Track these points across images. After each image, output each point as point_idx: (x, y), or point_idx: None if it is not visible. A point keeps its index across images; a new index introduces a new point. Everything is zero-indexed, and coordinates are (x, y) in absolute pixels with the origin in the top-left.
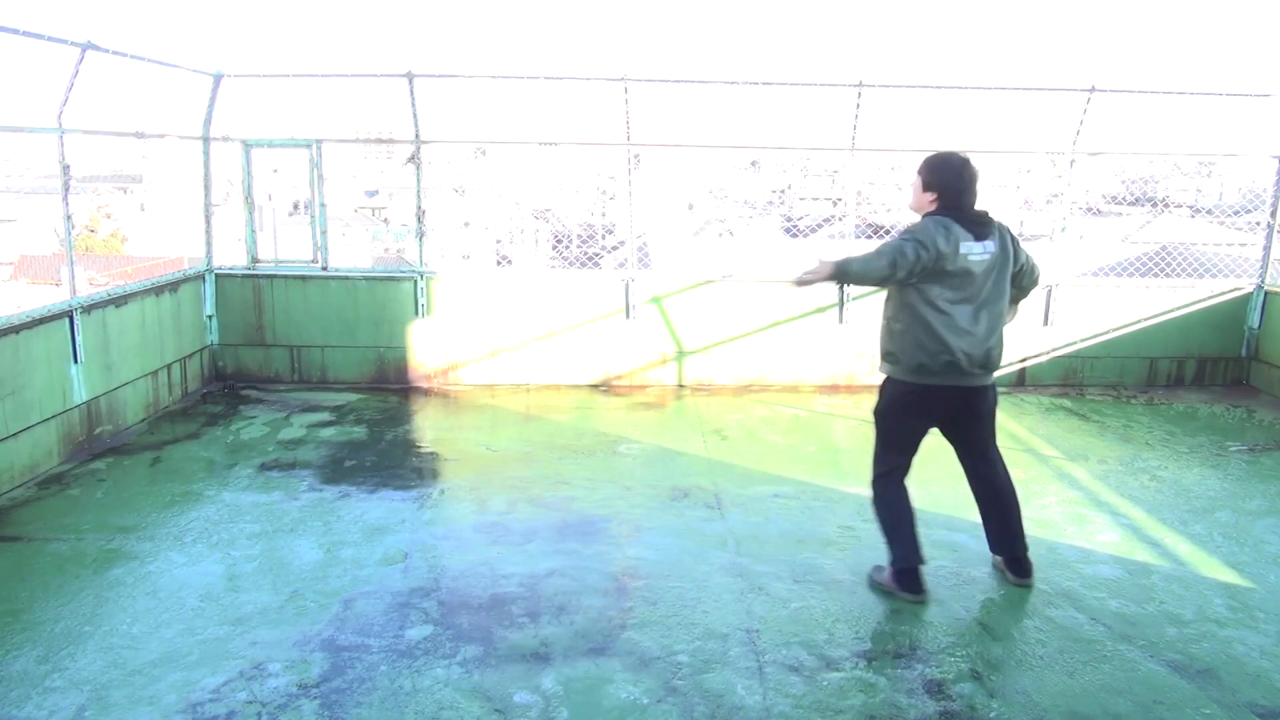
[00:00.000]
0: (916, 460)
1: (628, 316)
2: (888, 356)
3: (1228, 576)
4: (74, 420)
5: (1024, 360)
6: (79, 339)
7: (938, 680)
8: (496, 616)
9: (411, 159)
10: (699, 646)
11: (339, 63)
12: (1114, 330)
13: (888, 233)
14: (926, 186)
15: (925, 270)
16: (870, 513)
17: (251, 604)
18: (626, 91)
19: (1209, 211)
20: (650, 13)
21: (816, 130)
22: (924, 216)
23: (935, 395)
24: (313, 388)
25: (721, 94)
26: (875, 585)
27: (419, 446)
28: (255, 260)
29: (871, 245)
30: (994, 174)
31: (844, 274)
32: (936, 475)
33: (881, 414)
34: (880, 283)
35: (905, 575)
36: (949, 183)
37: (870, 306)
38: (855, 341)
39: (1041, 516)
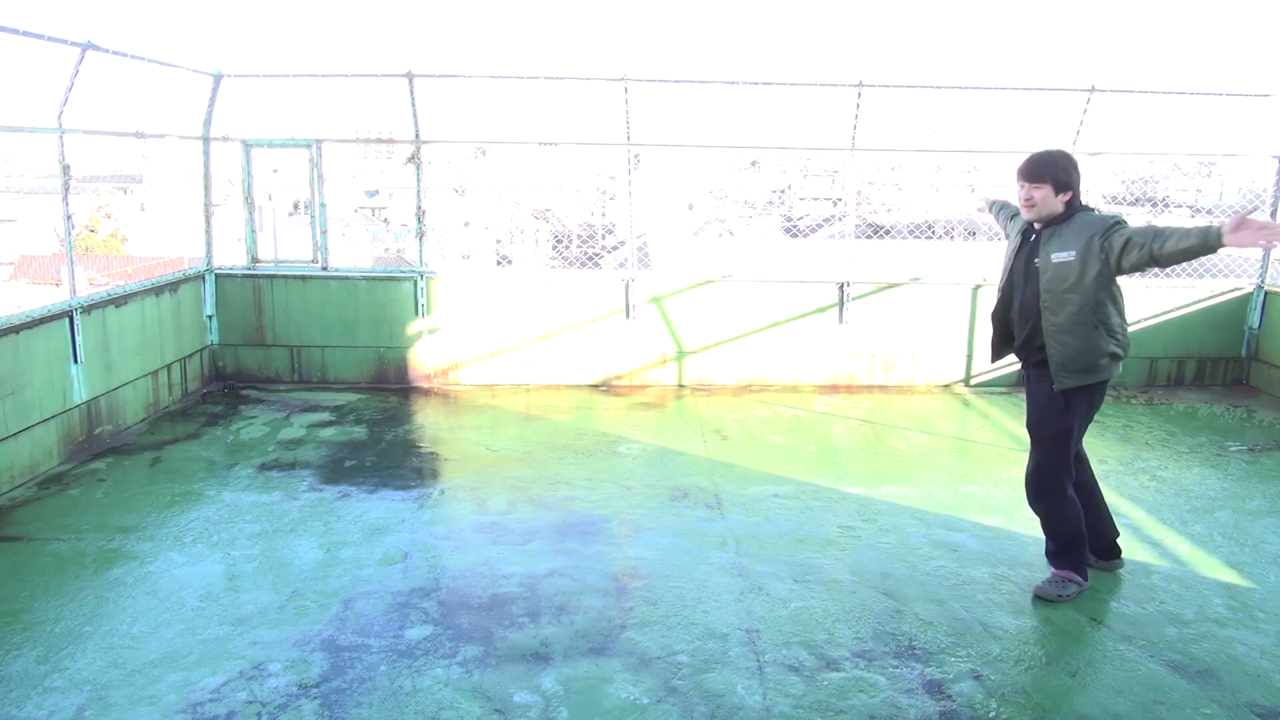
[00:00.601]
0: (915, 462)
1: (628, 316)
2: (1108, 359)
3: (1228, 576)
4: (74, 420)
5: None
6: (79, 339)
7: (938, 680)
8: (496, 616)
9: (411, 159)
10: (699, 646)
11: (339, 63)
12: None
13: (888, 233)
14: (1061, 187)
15: None
16: (870, 512)
17: (251, 604)
18: (626, 91)
19: (1209, 211)
20: (650, 13)
21: (816, 130)
22: (1080, 212)
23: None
24: (313, 388)
25: (721, 94)
26: (1061, 597)
27: (419, 446)
28: (255, 260)
29: (875, 245)
30: (994, 174)
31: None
32: (936, 476)
33: (1077, 424)
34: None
35: (1084, 569)
36: (1079, 178)
37: (870, 306)
38: (855, 341)
39: None
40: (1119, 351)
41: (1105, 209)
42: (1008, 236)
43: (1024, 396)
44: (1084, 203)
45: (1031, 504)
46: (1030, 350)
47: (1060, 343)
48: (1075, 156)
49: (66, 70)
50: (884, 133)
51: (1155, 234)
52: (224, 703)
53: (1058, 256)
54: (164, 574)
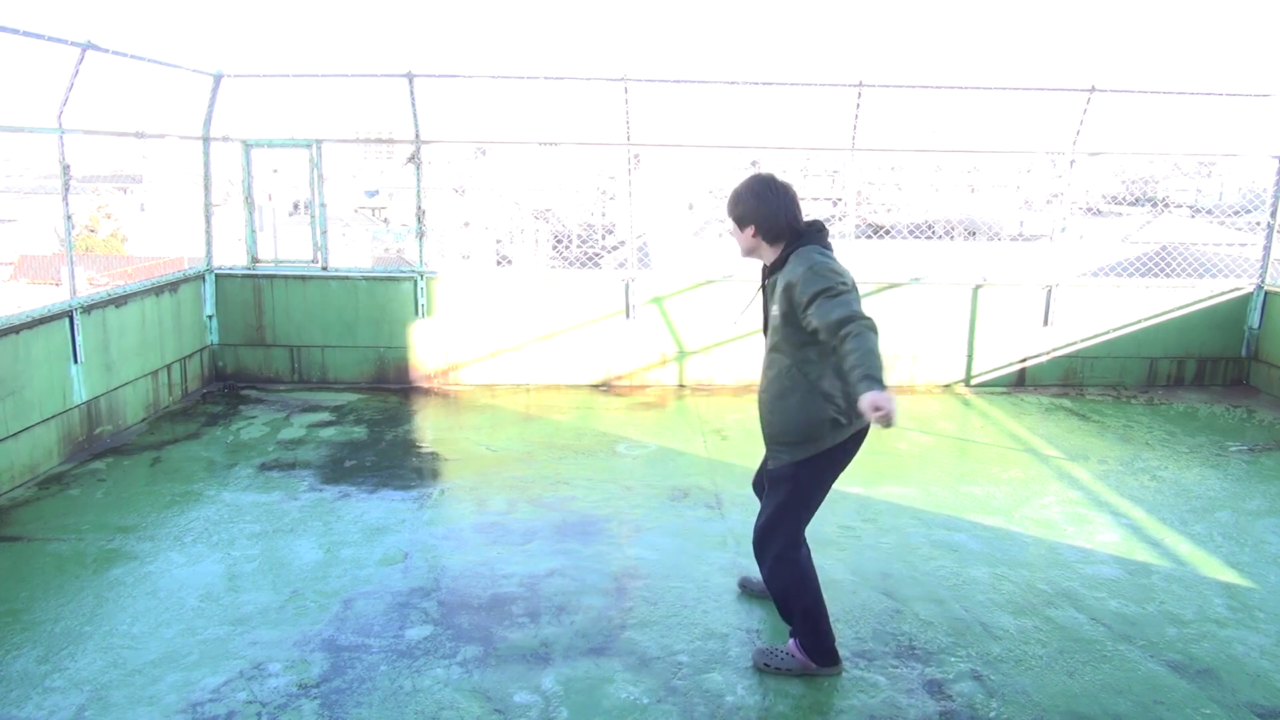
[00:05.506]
0: (915, 462)
1: (628, 316)
2: (829, 425)
3: (1228, 576)
4: (74, 420)
5: (1024, 360)
6: (79, 339)
7: (938, 680)
8: (496, 616)
9: (411, 159)
10: (699, 646)
11: (339, 63)
12: (1114, 330)
13: (888, 233)
14: (742, 222)
15: None
16: (870, 512)
17: (251, 604)
18: (626, 91)
19: (1209, 211)
20: (650, 13)
21: (816, 130)
22: (796, 251)
23: None
24: (313, 388)
25: (721, 94)
26: (769, 666)
27: (419, 446)
28: (255, 260)
29: (875, 245)
30: (994, 174)
31: None
32: (936, 476)
33: (806, 501)
34: None
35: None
36: (773, 207)
37: (869, 306)
38: None
39: (1041, 516)
40: (840, 418)
41: (1105, 209)
42: None
43: (1021, 397)
44: (808, 227)
45: (761, 558)
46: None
47: (771, 411)
48: (777, 182)
49: (66, 70)
50: (884, 133)
51: (838, 339)
52: (224, 703)
53: (775, 310)
54: (164, 574)
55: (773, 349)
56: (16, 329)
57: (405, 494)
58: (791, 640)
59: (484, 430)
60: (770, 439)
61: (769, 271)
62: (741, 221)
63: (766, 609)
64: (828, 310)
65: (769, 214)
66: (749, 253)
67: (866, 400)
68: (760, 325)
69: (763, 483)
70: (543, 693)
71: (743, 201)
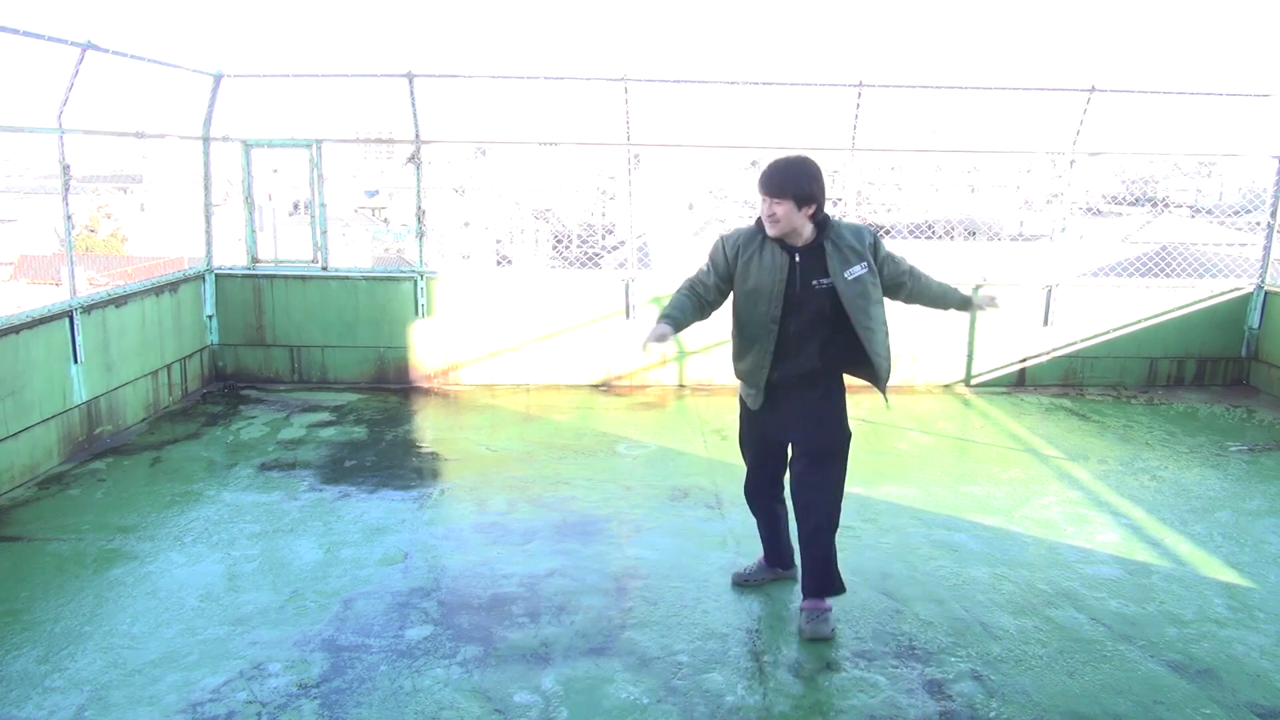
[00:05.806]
0: (915, 462)
1: (628, 316)
2: None
3: (1228, 576)
4: (74, 420)
5: (1024, 360)
6: (79, 339)
7: (938, 680)
8: (496, 616)
9: (411, 159)
10: (699, 646)
11: (339, 63)
12: (1114, 330)
13: (888, 233)
14: (803, 201)
15: None
16: (870, 512)
17: (251, 604)
18: (626, 91)
19: (1209, 211)
20: (650, 13)
21: (816, 130)
22: (834, 222)
23: None
24: (313, 388)
25: (721, 94)
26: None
27: (419, 446)
28: (255, 260)
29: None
30: (994, 174)
31: None
32: (936, 476)
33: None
34: None
35: None
36: (822, 188)
37: None
38: None
39: (1041, 516)
40: None
41: (1105, 209)
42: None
43: (1021, 397)
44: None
45: (829, 535)
46: (824, 369)
47: (881, 356)
48: (819, 164)
49: (66, 70)
50: (884, 133)
51: (911, 278)
52: (224, 703)
53: (853, 273)
54: (164, 574)
55: (876, 303)
56: (16, 329)
57: (405, 494)
58: (813, 600)
59: (484, 430)
60: (880, 380)
61: (814, 242)
62: (805, 200)
63: (765, 608)
64: (901, 258)
65: (825, 194)
66: (784, 232)
67: (983, 297)
68: (780, 304)
69: (764, 492)
70: (543, 693)
71: (811, 180)
